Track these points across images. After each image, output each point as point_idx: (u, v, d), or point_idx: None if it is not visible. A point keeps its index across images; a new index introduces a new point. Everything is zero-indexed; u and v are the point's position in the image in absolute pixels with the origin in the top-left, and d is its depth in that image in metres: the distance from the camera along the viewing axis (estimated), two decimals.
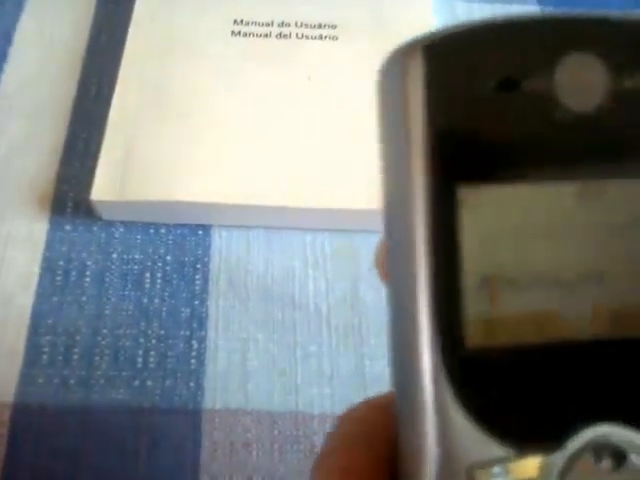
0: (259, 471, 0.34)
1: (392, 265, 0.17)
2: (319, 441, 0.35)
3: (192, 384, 0.36)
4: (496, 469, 0.15)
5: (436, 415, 0.15)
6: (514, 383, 0.16)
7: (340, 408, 0.35)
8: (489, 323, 0.16)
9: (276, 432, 0.35)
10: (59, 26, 0.48)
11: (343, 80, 0.45)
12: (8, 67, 0.47)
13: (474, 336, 0.15)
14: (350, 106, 0.44)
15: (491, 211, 0.16)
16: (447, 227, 0.15)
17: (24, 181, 0.42)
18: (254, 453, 0.34)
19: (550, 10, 0.53)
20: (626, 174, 0.16)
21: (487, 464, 0.15)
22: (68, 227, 0.40)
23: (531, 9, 0.53)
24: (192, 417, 0.35)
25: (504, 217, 0.16)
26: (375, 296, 0.39)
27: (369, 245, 0.41)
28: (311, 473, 0.18)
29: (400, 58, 0.16)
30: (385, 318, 0.38)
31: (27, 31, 0.48)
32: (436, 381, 0.15)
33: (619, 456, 0.15)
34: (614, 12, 0.16)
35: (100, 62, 0.47)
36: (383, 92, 0.17)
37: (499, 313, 0.16)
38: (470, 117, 0.16)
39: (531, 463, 0.15)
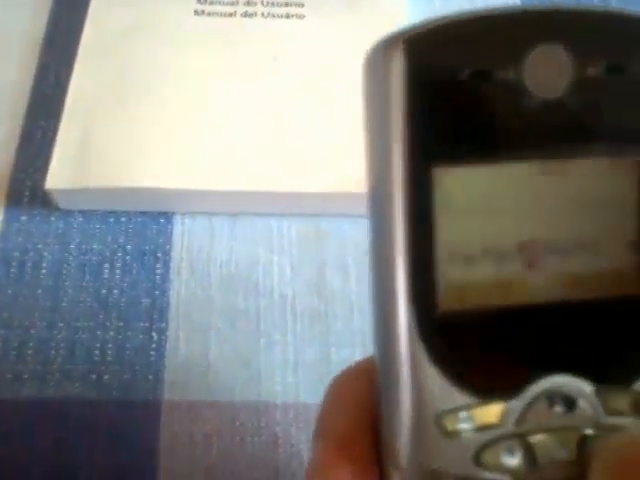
0: (219, 463, 0.33)
1: (373, 241, 0.18)
2: (281, 432, 0.34)
3: (151, 376, 0.35)
4: (462, 415, 0.18)
5: (411, 370, 0.17)
6: (478, 341, 0.18)
7: (305, 397, 0.35)
8: (458, 289, 0.18)
9: (237, 423, 0.34)
10: (17, 11, 0.47)
11: (310, 60, 0.44)
12: None
13: (444, 300, 0.18)
14: (316, 87, 0.43)
15: (462, 189, 0.17)
16: (423, 204, 0.17)
17: None
18: (214, 445, 0.33)
19: None
20: (587, 154, 0.18)
21: (453, 410, 0.18)
22: (24, 217, 0.39)
23: None
24: (151, 410, 0.34)
25: (474, 193, 0.18)
26: (342, 282, 0.38)
27: (336, 229, 0.40)
28: (313, 443, 0.21)
29: (382, 51, 0.17)
30: (350, 303, 0.37)
31: None
32: (411, 340, 0.17)
33: (570, 402, 0.18)
34: (582, 4, 0.17)
35: (59, 48, 0.45)
36: (367, 82, 0.18)
37: (466, 280, 0.18)
38: (445, 104, 0.17)
39: (493, 410, 0.18)
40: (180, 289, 0.37)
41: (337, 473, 0.19)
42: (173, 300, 0.37)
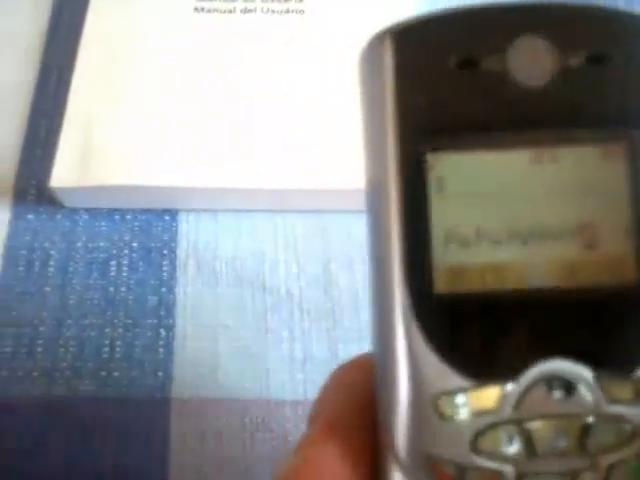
0: (230, 460, 0.33)
1: (370, 228, 0.19)
2: (291, 428, 0.34)
3: (160, 373, 0.35)
4: (458, 398, 0.17)
5: (407, 350, 0.18)
6: (474, 323, 0.18)
7: (313, 394, 0.35)
8: (454, 271, 0.18)
9: (247, 420, 0.34)
10: (19, 9, 0.47)
11: (311, 55, 0.44)
12: None
13: (440, 282, 0.18)
14: (317, 82, 0.43)
15: (454, 174, 0.18)
16: (417, 188, 0.18)
17: None
18: (224, 442, 0.33)
19: None
20: (572, 141, 0.18)
21: (449, 393, 0.17)
22: (31, 216, 0.39)
23: None
24: (160, 407, 0.34)
25: (466, 179, 0.18)
26: (348, 277, 0.38)
27: (341, 225, 0.40)
28: (306, 427, 0.21)
29: (374, 45, 0.19)
30: (357, 298, 0.37)
31: None
32: (407, 321, 0.18)
33: (569, 388, 0.17)
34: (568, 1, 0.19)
35: (61, 46, 0.45)
36: (361, 76, 0.19)
37: (462, 263, 0.18)
38: (435, 93, 0.18)
39: (490, 393, 0.17)
40: (187, 286, 0.38)
41: (325, 453, 0.19)
42: (180, 297, 0.37)
